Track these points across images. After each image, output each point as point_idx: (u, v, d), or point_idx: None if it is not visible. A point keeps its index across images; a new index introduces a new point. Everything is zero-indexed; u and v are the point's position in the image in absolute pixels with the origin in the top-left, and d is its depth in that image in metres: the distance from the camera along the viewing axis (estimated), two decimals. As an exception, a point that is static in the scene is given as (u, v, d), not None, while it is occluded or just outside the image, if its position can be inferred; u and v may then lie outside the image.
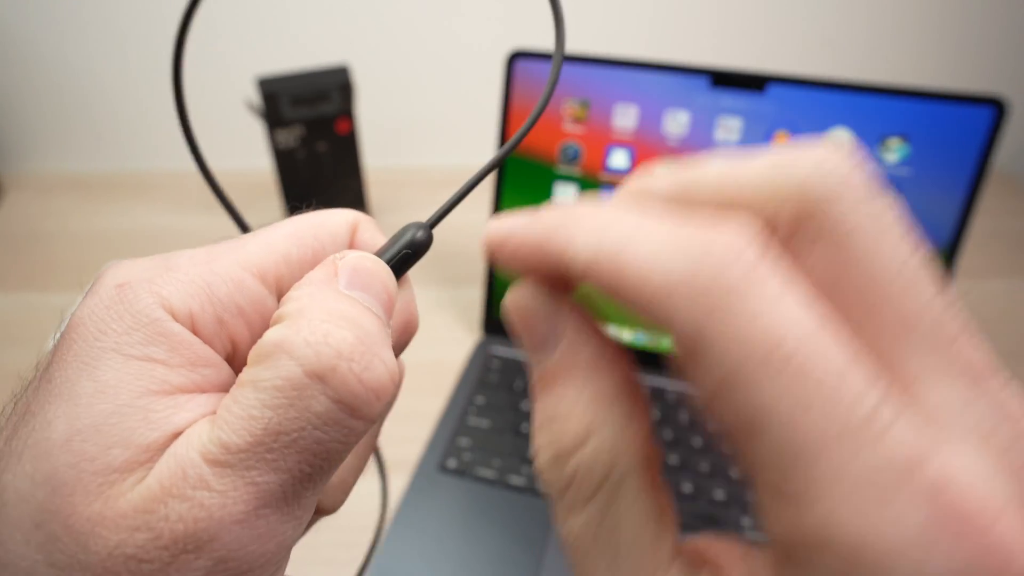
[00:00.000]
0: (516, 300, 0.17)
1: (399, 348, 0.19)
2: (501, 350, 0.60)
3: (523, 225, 0.16)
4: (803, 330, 0.12)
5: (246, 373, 0.15)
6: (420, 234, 0.18)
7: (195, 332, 0.16)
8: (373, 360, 0.15)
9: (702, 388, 0.13)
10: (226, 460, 0.14)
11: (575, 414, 0.15)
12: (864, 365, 0.12)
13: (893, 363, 0.13)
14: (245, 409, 0.14)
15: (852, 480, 0.11)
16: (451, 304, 0.66)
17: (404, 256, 0.18)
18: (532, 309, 0.16)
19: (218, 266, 0.17)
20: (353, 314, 0.16)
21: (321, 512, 0.20)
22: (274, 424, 0.14)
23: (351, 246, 0.19)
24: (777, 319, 0.12)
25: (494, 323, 0.62)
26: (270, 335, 0.15)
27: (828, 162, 0.14)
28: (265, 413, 0.14)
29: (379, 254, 0.18)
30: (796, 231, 0.14)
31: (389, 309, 0.17)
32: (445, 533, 0.46)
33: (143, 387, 0.15)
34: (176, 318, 0.16)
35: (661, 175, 0.16)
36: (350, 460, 0.21)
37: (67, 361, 0.15)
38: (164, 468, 0.14)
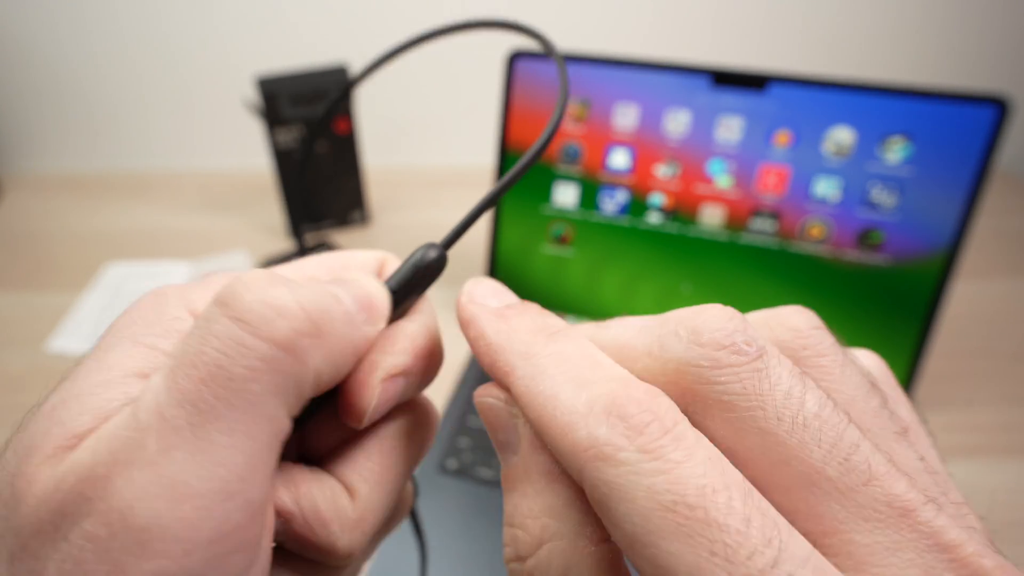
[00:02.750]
0: (482, 399, 0.17)
1: (421, 375, 0.19)
2: (501, 350, 0.60)
3: (485, 329, 0.17)
4: (707, 484, 0.12)
5: None
6: (431, 253, 0.19)
7: None
8: (277, 286, 0.15)
9: (617, 540, 0.13)
10: (144, 396, 0.14)
11: (528, 524, 0.15)
12: (768, 518, 0.12)
13: (814, 515, 0.13)
14: (166, 352, 0.15)
15: None
16: (451, 304, 0.66)
17: (414, 274, 0.19)
18: (494, 411, 0.17)
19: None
20: (288, 277, 0.16)
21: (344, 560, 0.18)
22: (179, 349, 0.14)
23: (378, 278, 0.20)
24: (682, 475, 0.12)
25: (494, 323, 0.62)
26: None
27: (701, 337, 0.14)
28: (177, 345, 0.15)
29: (392, 275, 0.19)
30: (689, 405, 0.14)
31: (363, 303, 0.17)
32: (445, 533, 0.46)
33: (137, 368, 0.15)
34: None
35: (582, 330, 0.17)
36: (377, 498, 0.19)
37: (88, 353, 0.16)
38: (109, 422, 0.14)
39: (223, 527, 0.14)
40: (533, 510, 0.15)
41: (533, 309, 0.17)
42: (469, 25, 0.23)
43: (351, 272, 0.18)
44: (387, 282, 0.19)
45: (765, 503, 0.12)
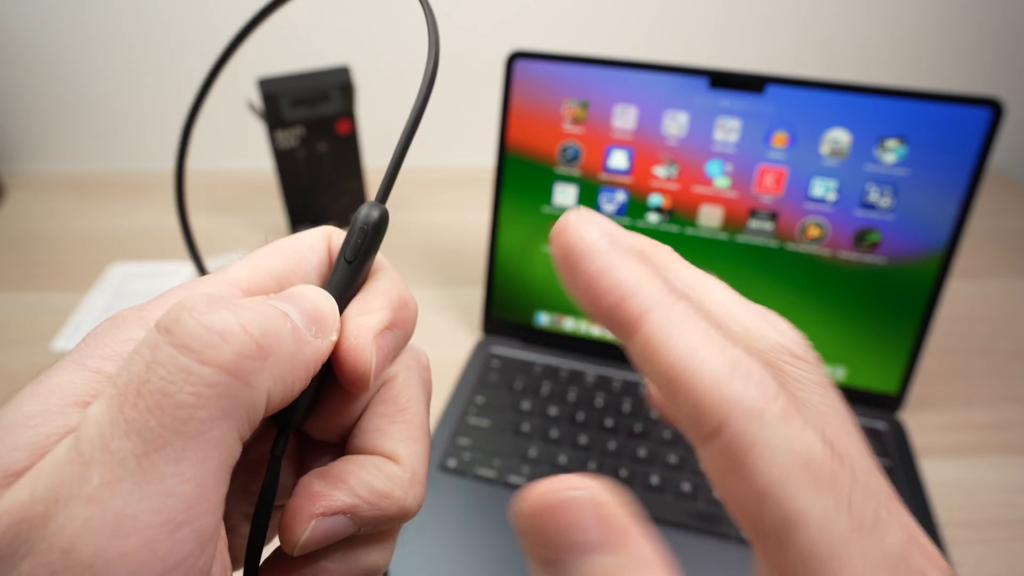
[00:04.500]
0: (557, 493, 0.13)
1: (403, 325, 0.20)
2: (501, 350, 0.61)
3: (615, 264, 0.15)
4: (824, 446, 0.13)
5: None
6: (374, 212, 0.19)
7: None
8: (220, 310, 0.15)
9: (740, 494, 0.14)
10: (85, 428, 0.14)
11: None
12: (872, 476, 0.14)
13: None
14: (109, 376, 0.15)
15: (872, 569, 0.12)
16: (451, 304, 0.66)
17: (364, 237, 0.19)
18: (578, 506, 0.13)
19: (206, 287, 0.17)
20: (231, 299, 0.16)
21: None
22: (123, 379, 0.14)
23: (328, 253, 0.20)
24: (811, 436, 0.13)
25: (494, 323, 0.62)
26: None
27: (790, 333, 0.17)
28: (120, 373, 0.14)
29: (344, 244, 0.19)
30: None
31: (312, 316, 0.17)
32: (445, 533, 0.46)
33: (78, 395, 0.15)
34: None
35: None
36: (417, 449, 0.20)
37: (32, 380, 0.15)
38: (48, 456, 0.14)
39: (171, 559, 0.13)
40: None
41: (664, 251, 0.18)
42: None
43: (297, 286, 0.18)
44: (344, 253, 0.19)
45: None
